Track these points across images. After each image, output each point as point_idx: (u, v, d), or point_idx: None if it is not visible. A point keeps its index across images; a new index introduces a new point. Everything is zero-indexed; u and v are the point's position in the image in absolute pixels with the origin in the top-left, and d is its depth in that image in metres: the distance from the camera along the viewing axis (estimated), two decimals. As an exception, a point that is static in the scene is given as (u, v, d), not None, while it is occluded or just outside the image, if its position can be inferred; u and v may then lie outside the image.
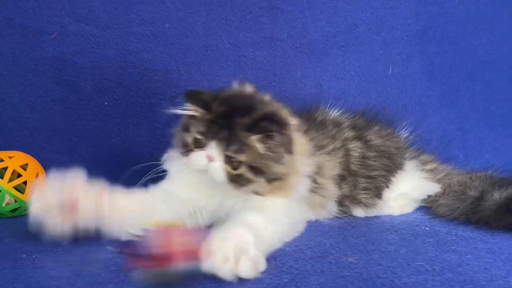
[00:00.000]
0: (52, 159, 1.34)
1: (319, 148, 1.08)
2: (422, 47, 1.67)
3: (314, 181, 1.03)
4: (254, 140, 0.88)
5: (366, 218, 1.14)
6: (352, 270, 0.75)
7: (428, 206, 1.23)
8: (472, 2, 1.72)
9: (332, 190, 1.08)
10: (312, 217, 1.09)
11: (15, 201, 1.14)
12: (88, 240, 0.87)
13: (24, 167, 1.17)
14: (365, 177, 1.15)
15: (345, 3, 1.56)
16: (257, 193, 0.92)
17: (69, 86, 1.36)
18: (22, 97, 1.34)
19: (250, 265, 0.71)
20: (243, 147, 0.87)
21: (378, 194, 1.16)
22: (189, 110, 0.93)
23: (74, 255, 0.84)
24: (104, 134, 1.39)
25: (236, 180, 0.89)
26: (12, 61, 1.34)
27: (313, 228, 1.03)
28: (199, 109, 0.91)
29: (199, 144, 0.91)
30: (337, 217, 1.14)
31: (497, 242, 0.92)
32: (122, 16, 1.38)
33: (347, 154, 1.14)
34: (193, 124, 0.91)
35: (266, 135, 0.87)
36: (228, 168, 0.89)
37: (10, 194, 1.12)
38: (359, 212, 1.16)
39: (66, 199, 0.85)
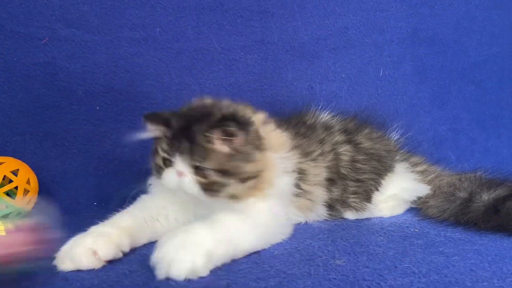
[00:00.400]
0: (44, 165, 1.35)
1: (304, 155, 1.07)
2: (413, 49, 1.68)
3: (298, 186, 1.03)
4: (215, 142, 0.87)
5: (357, 220, 1.15)
6: (339, 273, 0.76)
7: (418, 208, 1.24)
8: (462, 4, 1.74)
9: (319, 195, 1.09)
10: (302, 219, 1.10)
11: (6, 207, 1.14)
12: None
13: (15, 172, 1.18)
14: (354, 181, 1.15)
15: (336, 6, 1.57)
16: (234, 196, 0.89)
17: (60, 91, 1.36)
18: (13, 103, 1.34)
19: (183, 268, 0.73)
20: (207, 153, 0.87)
21: (367, 197, 1.17)
22: (152, 131, 0.94)
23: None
24: (96, 139, 1.39)
25: (210, 188, 0.88)
26: (3, 66, 1.34)
27: (303, 230, 1.04)
28: (160, 127, 0.92)
29: (168, 163, 0.91)
30: (327, 219, 1.14)
31: (484, 243, 0.93)
32: (112, 21, 1.38)
33: (337, 158, 1.14)
34: (159, 144, 0.92)
35: (227, 135, 0.87)
36: (199, 178, 0.88)
37: (0, 200, 1.12)
38: (349, 215, 1.17)
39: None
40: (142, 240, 0.93)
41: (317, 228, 1.07)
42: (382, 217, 1.18)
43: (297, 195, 1.04)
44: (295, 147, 1.05)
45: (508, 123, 1.85)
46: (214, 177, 0.87)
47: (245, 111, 0.99)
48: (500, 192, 1.09)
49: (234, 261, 0.82)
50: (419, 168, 1.31)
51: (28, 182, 1.19)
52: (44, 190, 1.31)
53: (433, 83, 1.72)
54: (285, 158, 0.99)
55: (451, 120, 1.75)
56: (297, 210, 1.06)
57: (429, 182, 1.27)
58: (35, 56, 1.35)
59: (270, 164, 0.94)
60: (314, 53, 1.55)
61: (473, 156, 1.75)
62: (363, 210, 1.16)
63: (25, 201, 1.18)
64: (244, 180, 0.89)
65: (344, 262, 0.81)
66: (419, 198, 1.24)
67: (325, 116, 1.24)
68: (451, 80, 1.75)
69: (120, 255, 0.84)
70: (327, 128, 1.20)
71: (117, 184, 1.38)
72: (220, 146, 0.88)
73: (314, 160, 1.09)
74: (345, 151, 1.16)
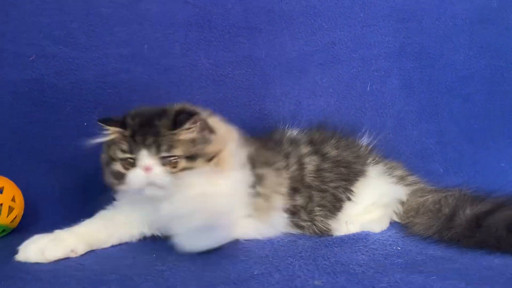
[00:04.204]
0: (31, 181, 1.35)
1: (265, 164, 1.13)
2: (400, 63, 1.69)
3: (254, 188, 1.07)
4: (183, 133, 0.96)
5: (341, 237, 1.14)
6: (317, 295, 0.76)
7: (403, 225, 1.24)
8: (449, 18, 1.75)
9: (276, 200, 1.11)
10: (260, 229, 1.11)
11: (-10, 225, 1.14)
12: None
13: (1, 190, 1.18)
14: (319, 191, 1.17)
15: (323, 22, 1.59)
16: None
17: (48, 107, 1.37)
18: (0, 120, 1.35)
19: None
20: (174, 143, 0.94)
21: (336, 208, 1.18)
22: (108, 134, 1.02)
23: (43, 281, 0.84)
24: (82, 155, 1.38)
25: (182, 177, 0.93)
26: (-10, 83, 1.35)
27: (286, 248, 1.04)
28: (117, 129, 0.99)
29: (130, 164, 0.96)
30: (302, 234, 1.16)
31: (465, 262, 0.93)
32: (100, 37, 1.40)
33: (301, 168, 1.18)
34: (115, 148, 0.98)
35: (193, 123, 0.97)
36: (169, 169, 0.94)
37: (-16, 218, 1.13)
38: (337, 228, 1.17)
39: None
40: (106, 243, 1.03)
41: (301, 245, 1.07)
42: (369, 234, 1.17)
43: (254, 196, 1.08)
44: (254, 155, 1.12)
45: (497, 135, 1.85)
46: (184, 163, 0.94)
47: (190, 106, 1.08)
48: (481, 207, 1.09)
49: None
50: (397, 173, 1.32)
51: (13, 199, 1.19)
52: (31, 207, 1.31)
53: (421, 96, 1.73)
54: (236, 148, 1.06)
55: (439, 133, 1.76)
56: (253, 211, 1.08)
57: (412, 194, 1.27)
58: (22, 73, 1.36)
59: (225, 145, 1.03)
60: (302, 68, 1.57)
61: (461, 169, 1.75)
62: (328, 229, 1.16)
63: (10, 219, 1.18)
64: (209, 160, 0.97)
65: (322, 282, 0.82)
66: (401, 202, 1.25)
67: (292, 132, 1.30)
68: (439, 94, 1.76)
69: (73, 255, 0.94)
70: (293, 142, 1.24)
71: (104, 198, 1.38)
72: (185, 135, 0.96)
73: (276, 169, 1.14)
74: (311, 161, 1.20)
